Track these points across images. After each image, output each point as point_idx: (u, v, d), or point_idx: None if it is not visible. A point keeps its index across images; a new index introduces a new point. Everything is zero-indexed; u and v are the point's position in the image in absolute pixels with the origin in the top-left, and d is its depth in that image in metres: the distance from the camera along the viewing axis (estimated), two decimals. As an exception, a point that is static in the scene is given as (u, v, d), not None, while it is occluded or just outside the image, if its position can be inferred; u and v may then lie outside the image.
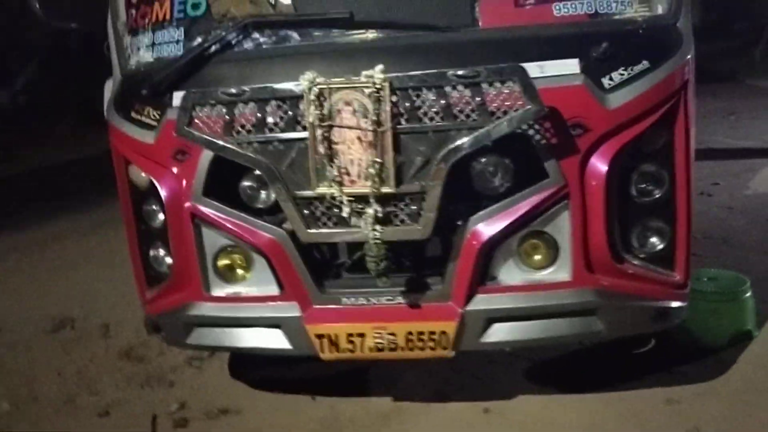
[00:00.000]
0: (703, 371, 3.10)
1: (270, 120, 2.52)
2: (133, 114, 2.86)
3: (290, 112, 2.50)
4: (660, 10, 2.58)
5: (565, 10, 2.56)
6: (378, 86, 2.37)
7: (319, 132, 2.44)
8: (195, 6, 2.83)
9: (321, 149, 2.46)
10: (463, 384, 3.17)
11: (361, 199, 2.49)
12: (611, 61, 2.49)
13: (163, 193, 2.78)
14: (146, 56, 2.91)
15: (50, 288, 4.87)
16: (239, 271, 2.85)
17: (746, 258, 4.23)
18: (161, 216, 2.88)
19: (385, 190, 2.46)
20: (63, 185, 7.92)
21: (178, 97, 2.71)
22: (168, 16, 2.86)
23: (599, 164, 2.51)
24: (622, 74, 2.48)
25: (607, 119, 2.47)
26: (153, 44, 2.89)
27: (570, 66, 2.48)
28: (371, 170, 2.43)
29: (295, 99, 2.49)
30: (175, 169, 2.77)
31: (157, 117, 2.78)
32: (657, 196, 2.62)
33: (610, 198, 2.54)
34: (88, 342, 3.99)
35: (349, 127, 2.42)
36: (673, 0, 2.58)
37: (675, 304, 2.72)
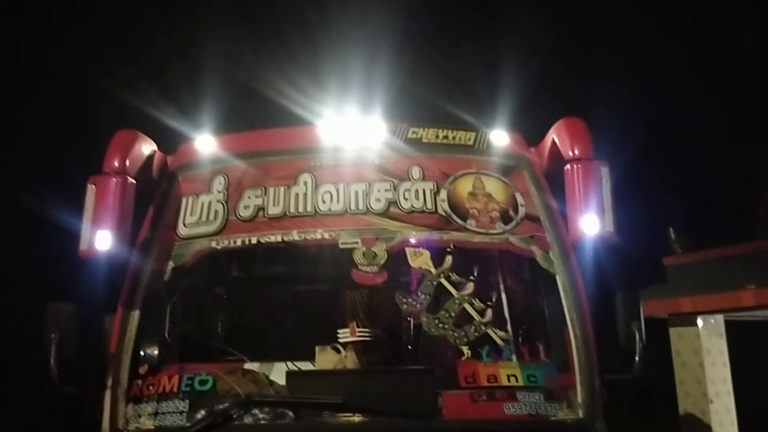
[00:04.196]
0: None
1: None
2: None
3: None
4: (582, 414, 3.30)
5: (513, 410, 3.24)
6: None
7: None
8: (202, 382, 3.28)
9: None
10: None
11: None
12: None
13: None
14: (147, 423, 3.20)
15: None
16: None
17: None
18: None
19: None
20: None
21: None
22: (176, 389, 3.26)
23: None
24: None
25: None
26: (156, 413, 3.21)
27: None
28: None
29: None
30: None
31: None
32: None
33: None
34: None
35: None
36: (591, 406, 3.32)
37: None
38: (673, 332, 7.99)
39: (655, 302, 7.45)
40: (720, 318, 7.72)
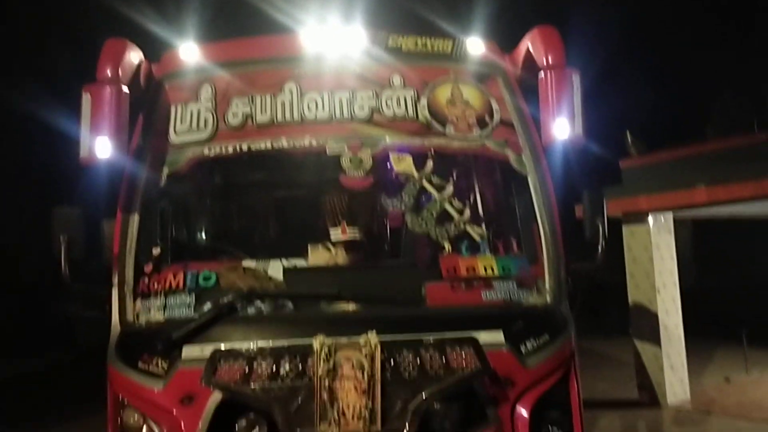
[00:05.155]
0: None
1: (282, 371, 3.15)
2: (140, 364, 3.33)
3: (300, 366, 3.16)
4: (549, 299, 3.70)
5: (490, 296, 3.61)
6: (372, 347, 3.15)
7: (325, 382, 3.11)
8: (206, 278, 3.55)
9: (325, 396, 3.10)
10: None
11: (353, 436, 3.10)
12: (524, 334, 3.49)
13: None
14: (157, 316, 3.48)
15: None
16: None
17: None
18: None
19: (373, 429, 3.10)
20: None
21: (187, 350, 3.28)
22: (181, 285, 3.52)
23: (523, 410, 3.37)
24: (533, 344, 3.47)
25: (527, 377, 3.40)
26: (164, 307, 3.49)
27: (497, 336, 3.44)
28: (364, 413, 3.09)
29: (305, 355, 3.17)
30: (179, 412, 3.21)
31: (166, 367, 3.28)
32: None
33: None
34: None
35: (348, 379, 3.13)
36: (557, 292, 3.72)
37: None
38: (626, 230, 8.56)
39: (610, 202, 7.93)
40: (669, 215, 8.29)
